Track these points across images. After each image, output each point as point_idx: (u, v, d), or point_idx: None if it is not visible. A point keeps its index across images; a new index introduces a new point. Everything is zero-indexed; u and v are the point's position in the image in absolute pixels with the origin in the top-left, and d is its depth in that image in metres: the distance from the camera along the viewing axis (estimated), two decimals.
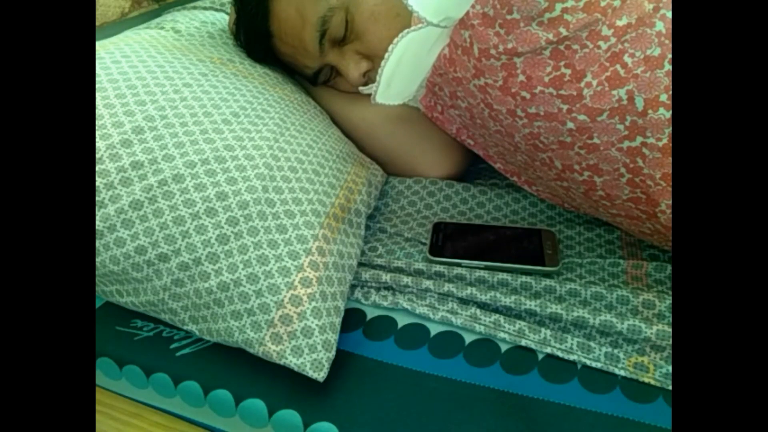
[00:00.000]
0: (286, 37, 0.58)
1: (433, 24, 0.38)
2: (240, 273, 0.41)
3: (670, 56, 0.36)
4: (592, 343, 0.41)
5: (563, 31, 0.37)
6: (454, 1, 0.37)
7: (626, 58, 0.37)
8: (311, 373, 0.39)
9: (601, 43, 0.38)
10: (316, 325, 0.40)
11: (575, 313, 0.42)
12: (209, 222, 0.42)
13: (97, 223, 0.42)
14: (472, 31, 0.38)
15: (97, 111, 0.44)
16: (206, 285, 0.42)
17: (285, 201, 0.45)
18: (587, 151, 0.41)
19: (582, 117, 0.39)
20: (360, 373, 0.42)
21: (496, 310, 0.45)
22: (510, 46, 0.38)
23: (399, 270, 0.50)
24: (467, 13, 0.38)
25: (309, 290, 0.41)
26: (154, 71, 0.50)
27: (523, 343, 0.42)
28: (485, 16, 0.37)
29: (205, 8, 0.74)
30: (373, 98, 0.48)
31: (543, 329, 0.42)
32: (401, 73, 0.46)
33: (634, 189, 0.41)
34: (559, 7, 0.36)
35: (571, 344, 0.41)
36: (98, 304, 0.51)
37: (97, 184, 0.42)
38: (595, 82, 0.38)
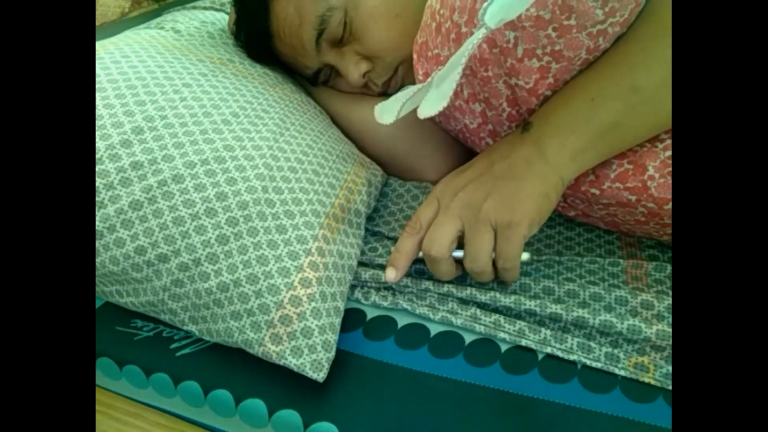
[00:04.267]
0: (286, 36, 0.58)
1: (490, 29, 0.38)
2: (240, 273, 0.41)
3: None
4: (592, 343, 0.41)
5: (601, 42, 0.39)
6: (510, 4, 0.37)
7: None
8: (311, 374, 0.39)
9: (658, 143, 0.41)
10: (316, 325, 0.40)
11: (575, 313, 0.42)
12: (209, 222, 0.42)
13: (96, 223, 0.42)
14: (522, 33, 0.39)
15: (96, 111, 0.44)
16: (206, 285, 0.42)
17: (285, 201, 0.45)
18: (663, 225, 0.45)
19: (651, 205, 0.42)
20: (360, 373, 0.42)
21: (496, 310, 0.45)
22: (557, 48, 0.39)
23: None
24: (519, 16, 0.38)
25: (309, 291, 0.41)
26: (154, 71, 0.50)
27: (523, 343, 0.42)
28: (539, 19, 0.38)
29: (205, 8, 0.74)
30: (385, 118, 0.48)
31: (543, 329, 0.42)
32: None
33: None
34: (608, 21, 0.37)
35: (571, 344, 0.41)
36: (98, 304, 0.51)
37: (96, 184, 0.42)
38: (657, 175, 0.41)
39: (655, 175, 0.41)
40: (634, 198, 0.43)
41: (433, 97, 0.43)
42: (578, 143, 0.40)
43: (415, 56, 0.51)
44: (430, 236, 0.43)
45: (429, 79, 0.44)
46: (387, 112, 0.47)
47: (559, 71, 0.40)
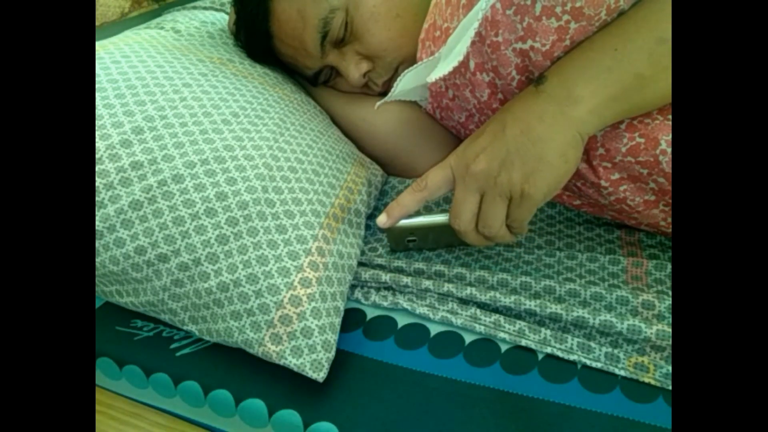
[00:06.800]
0: (287, 38, 0.58)
1: None
2: (240, 273, 0.41)
3: None
4: (592, 343, 0.41)
5: (622, 2, 0.38)
6: None
7: None
8: (311, 374, 0.39)
9: (670, 116, 0.41)
10: (316, 325, 0.40)
11: (575, 313, 0.42)
12: (209, 222, 0.42)
13: (96, 223, 0.42)
14: None
15: (96, 111, 0.44)
16: (206, 285, 0.42)
17: (285, 201, 0.45)
18: (671, 207, 0.44)
19: (662, 180, 0.42)
20: (360, 373, 0.42)
21: (496, 310, 0.45)
22: (578, 5, 0.38)
23: (399, 270, 0.50)
24: None
25: (308, 290, 0.41)
26: (154, 71, 0.50)
27: (523, 343, 0.42)
28: None
29: (205, 8, 0.74)
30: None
31: (543, 329, 0.42)
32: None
33: None
34: None
35: (571, 344, 0.41)
36: (98, 304, 0.51)
37: (96, 184, 0.42)
38: (669, 150, 0.41)
39: (668, 149, 0.40)
40: (645, 171, 0.42)
41: (442, 64, 0.42)
42: (598, 94, 0.38)
43: (419, 47, 0.51)
44: (454, 212, 0.44)
45: (436, 55, 0.43)
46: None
47: (577, 32, 0.39)
